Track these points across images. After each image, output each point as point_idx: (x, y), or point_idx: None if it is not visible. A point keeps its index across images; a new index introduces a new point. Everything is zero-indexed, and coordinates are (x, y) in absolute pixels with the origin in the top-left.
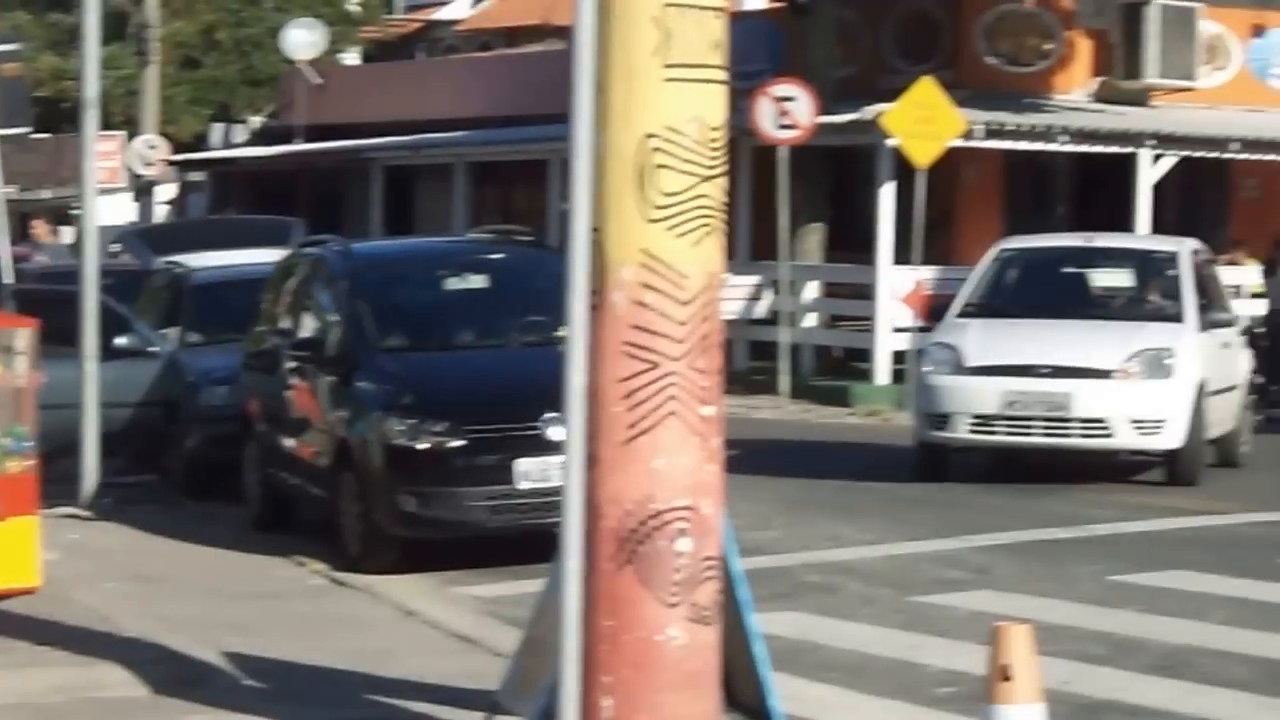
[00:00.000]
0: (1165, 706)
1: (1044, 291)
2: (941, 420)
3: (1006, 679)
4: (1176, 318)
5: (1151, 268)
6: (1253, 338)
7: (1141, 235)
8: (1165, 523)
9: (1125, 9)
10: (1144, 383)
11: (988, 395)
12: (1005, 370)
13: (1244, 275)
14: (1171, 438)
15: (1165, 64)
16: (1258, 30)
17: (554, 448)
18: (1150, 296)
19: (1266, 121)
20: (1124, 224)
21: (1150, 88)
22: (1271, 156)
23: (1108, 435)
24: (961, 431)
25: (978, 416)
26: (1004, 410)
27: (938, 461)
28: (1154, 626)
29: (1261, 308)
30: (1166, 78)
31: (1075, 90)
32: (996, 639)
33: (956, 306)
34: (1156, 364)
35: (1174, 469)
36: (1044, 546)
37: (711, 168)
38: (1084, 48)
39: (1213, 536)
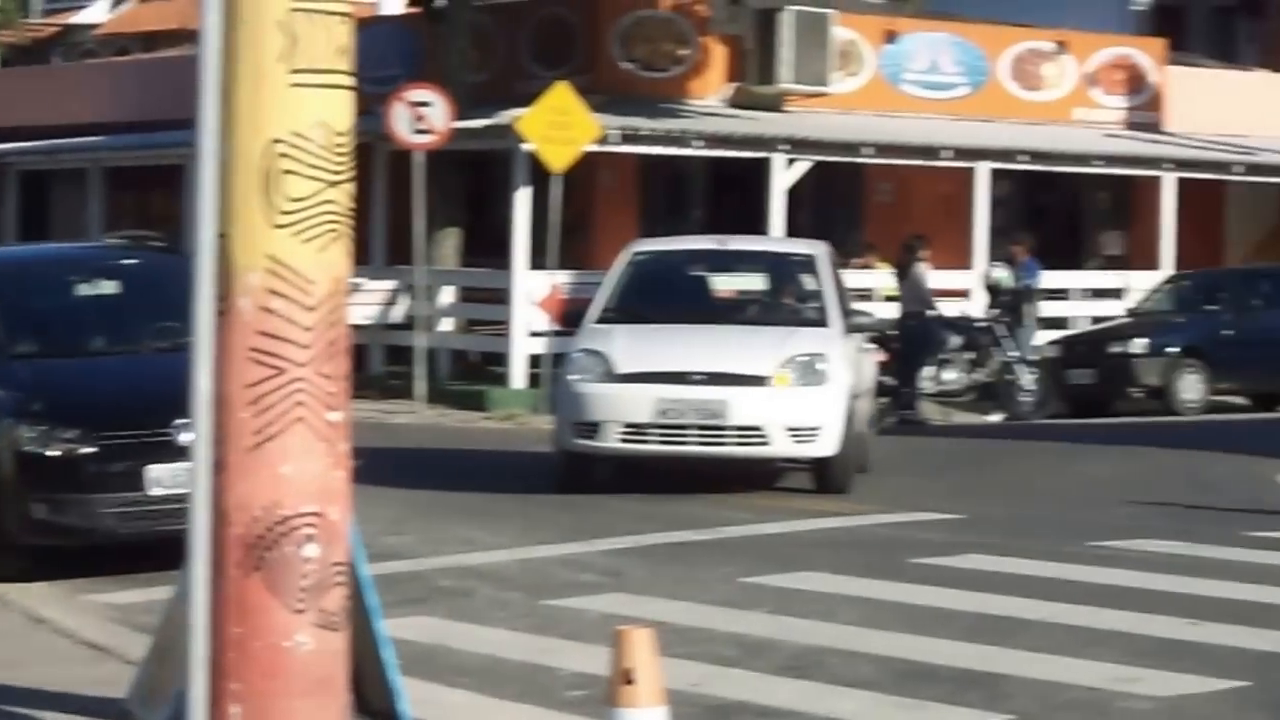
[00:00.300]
0: (795, 707)
1: (683, 295)
2: (590, 429)
3: (629, 682)
4: (823, 322)
5: (789, 270)
6: (886, 341)
7: (775, 238)
8: (797, 524)
9: (759, 15)
10: (799, 389)
11: (640, 403)
12: (658, 377)
13: (877, 279)
14: (826, 445)
15: (799, 70)
16: (890, 36)
17: (186, 454)
18: (789, 300)
19: (899, 126)
20: (758, 227)
21: (784, 93)
22: (904, 161)
23: (764, 443)
24: (612, 440)
25: (630, 425)
26: (657, 418)
27: (583, 470)
28: (784, 627)
29: (894, 311)
30: (800, 83)
31: (710, 95)
32: (619, 643)
33: (594, 312)
34: (810, 370)
35: (826, 476)
36: (676, 549)
37: (338, 173)
38: (719, 53)
39: (843, 538)
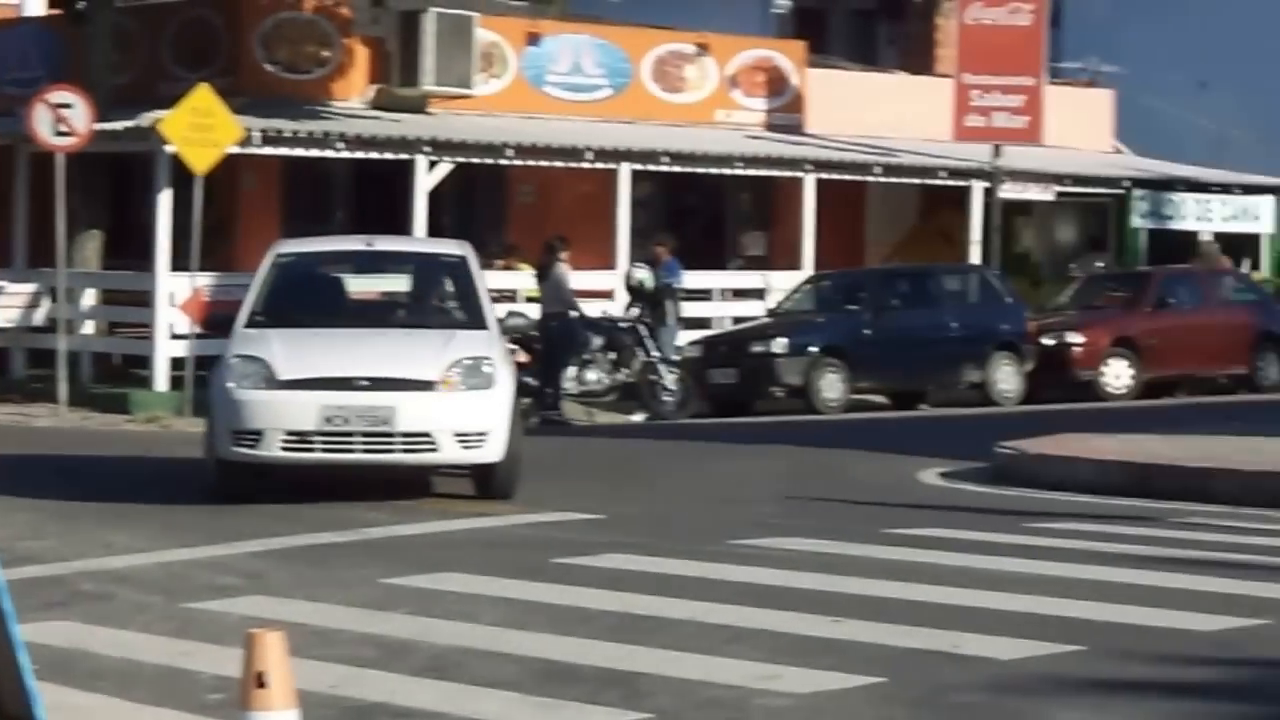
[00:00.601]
0: (436, 708)
1: (335, 298)
2: (250, 437)
3: (261, 685)
4: (481, 324)
5: (439, 272)
6: (528, 341)
7: (423, 239)
8: (439, 525)
9: (402, 17)
10: (466, 394)
11: (305, 410)
12: (322, 383)
13: (519, 280)
14: (493, 451)
15: (442, 71)
16: (533, 38)
17: None
18: (443, 302)
19: (541, 128)
20: (402, 228)
21: (428, 95)
22: (546, 163)
23: (432, 449)
24: (274, 449)
25: (293, 433)
26: (322, 426)
27: (241, 479)
28: (425, 629)
29: (536, 312)
30: (443, 85)
31: (354, 97)
32: (250, 646)
33: (243, 316)
34: (476, 373)
35: (491, 482)
36: (319, 551)
37: None
38: (362, 55)
39: (486, 538)
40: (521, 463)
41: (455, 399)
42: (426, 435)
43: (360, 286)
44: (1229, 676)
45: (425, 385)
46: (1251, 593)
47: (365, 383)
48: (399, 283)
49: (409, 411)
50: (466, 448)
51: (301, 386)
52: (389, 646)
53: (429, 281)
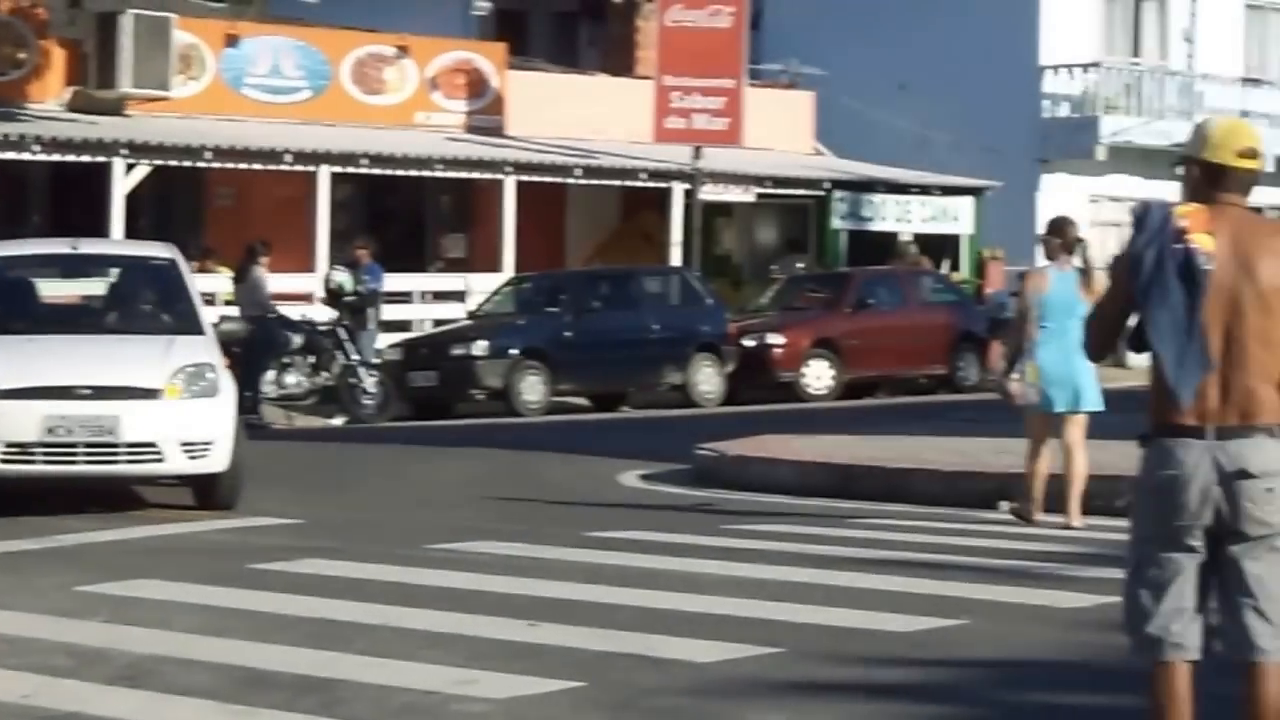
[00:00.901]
0: (130, 717)
1: (42, 303)
2: None
3: None
4: (198, 329)
5: (149, 275)
6: (226, 345)
7: (130, 241)
8: (134, 531)
9: (99, 18)
10: (191, 402)
11: (24, 421)
12: (41, 393)
13: (217, 283)
14: (218, 460)
15: (139, 74)
16: (231, 40)
17: None
18: (156, 306)
19: (240, 131)
20: (100, 231)
21: (125, 97)
22: (245, 165)
23: (158, 460)
24: None
25: (13, 445)
26: (44, 437)
27: None
28: (119, 636)
29: (234, 315)
30: (141, 87)
31: (50, 99)
32: None
33: None
34: (199, 380)
35: (215, 493)
36: (11, 559)
37: None
38: (59, 57)
39: (182, 544)
40: (244, 471)
41: (180, 407)
42: (152, 445)
43: (64, 290)
44: (928, 677)
45: (149, 393)
46: (950, 593)
47: (87, 391)
48: (113, 286)
49: (134, 421)
50: (193, 458)
51: (19, 396)
52: (83, 655)
53: (138, 285)
